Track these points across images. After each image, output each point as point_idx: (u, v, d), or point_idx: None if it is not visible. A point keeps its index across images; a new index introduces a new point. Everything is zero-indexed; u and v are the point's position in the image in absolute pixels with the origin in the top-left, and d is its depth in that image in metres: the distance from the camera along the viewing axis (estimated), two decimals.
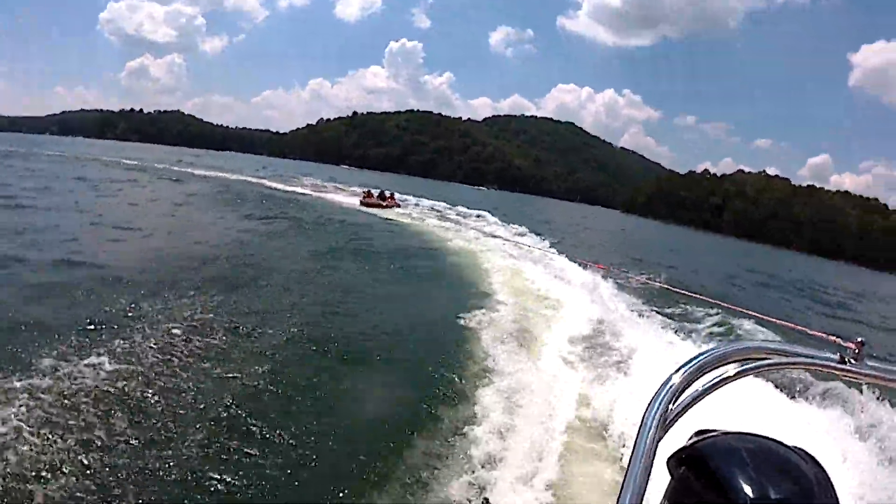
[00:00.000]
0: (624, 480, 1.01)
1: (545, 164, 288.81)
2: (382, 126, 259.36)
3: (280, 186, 52.76)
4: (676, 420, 1.11)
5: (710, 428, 1.08)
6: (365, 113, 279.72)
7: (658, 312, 17.26)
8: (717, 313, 17.79)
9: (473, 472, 6.80)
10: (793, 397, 9.68)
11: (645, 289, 19.16)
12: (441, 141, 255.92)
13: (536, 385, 9.88)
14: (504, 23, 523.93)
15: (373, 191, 45.68)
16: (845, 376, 1.23)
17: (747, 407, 6.87)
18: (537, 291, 17.40)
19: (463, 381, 9.69)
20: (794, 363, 1.25)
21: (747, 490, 0.92)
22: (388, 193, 45.20)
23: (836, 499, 0.97)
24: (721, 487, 0.94)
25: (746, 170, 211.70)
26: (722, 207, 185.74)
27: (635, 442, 1.06)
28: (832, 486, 0.99)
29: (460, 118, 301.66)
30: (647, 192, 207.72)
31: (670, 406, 1.10)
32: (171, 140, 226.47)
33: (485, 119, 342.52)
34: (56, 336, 9.04)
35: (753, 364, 1.22)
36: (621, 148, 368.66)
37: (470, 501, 6.33)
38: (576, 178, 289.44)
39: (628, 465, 1.03)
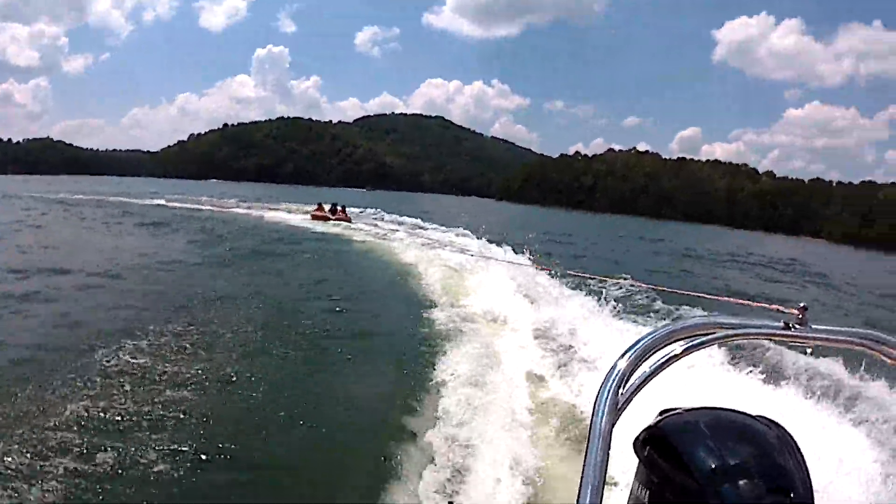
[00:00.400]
0: (583, 470, 1.02)
1: (417, 160, 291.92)
2: (253, 136, 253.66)
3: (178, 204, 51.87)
4: (628, 403, 1.12)
5: (673, 407, 1.12)
6: (235, 124, 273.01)
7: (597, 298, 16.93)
8: (657, 297, 18.14)
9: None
10: (749, 368, 10.13)
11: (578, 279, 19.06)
12: (312, 146, 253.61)
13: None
14: (370, 22, 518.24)
15: (324, 204, 44.91)
16: (792, 342, 1.26)
17: (714, 382, 8.32)
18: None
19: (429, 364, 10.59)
20: (740, 334, 1.27)
21: (708, 461, 0.96)
22: (338, 207, 43.92)
23: (801, 457, 1.01)
24: (684, 462, 0.98)
25: (617, 148, 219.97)
26: (594, 187, 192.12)
27: (589, 430, 1.07)
28: (796, 446, 1.03)
29: (330, 121, 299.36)
30: (520, 178, 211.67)
31: (620, 390, 1.10)
32: (46, 169, 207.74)
33: (355, 120, 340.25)
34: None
35: (700, 339, 1.23)
36: (492, 137, 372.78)
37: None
38: (448, 171, 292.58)
39: (585, 455, 1.03)
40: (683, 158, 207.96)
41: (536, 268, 19.79)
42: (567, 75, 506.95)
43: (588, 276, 18.29)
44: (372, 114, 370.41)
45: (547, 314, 14.11)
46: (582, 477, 1.01)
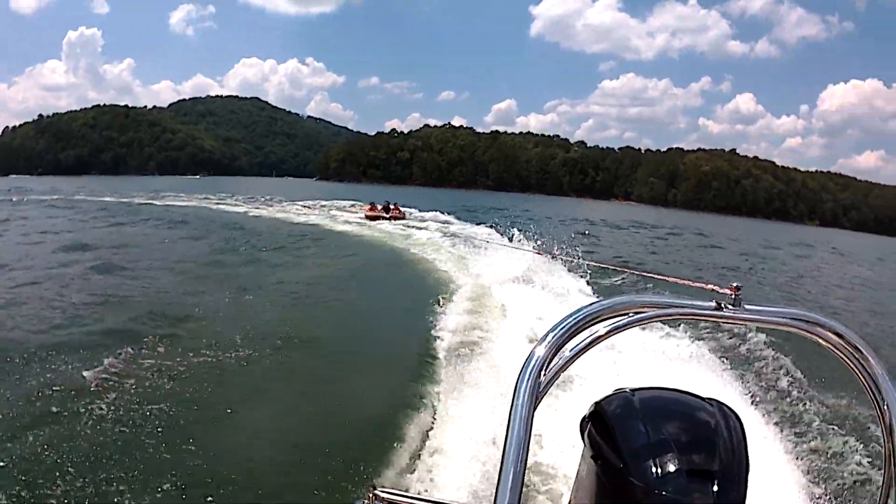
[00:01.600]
0: (503, 456, 1.00)
1: (235, 143, 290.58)
2: (70, 126, 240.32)
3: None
4: (550, 387, 1.10)
5: (624, 386, 1.13)
6: (51, 115, 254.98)
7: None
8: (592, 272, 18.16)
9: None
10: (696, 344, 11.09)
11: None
12: (130, 133, 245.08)
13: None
14: (185, 0, 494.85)
15: (377, 203, 43.92)
16: (724, 322, 1.24)
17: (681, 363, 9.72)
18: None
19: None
20: (669, 315, 1.25)
21: (634, 439, 0.98)
22: (391, 205, 43.36)
23: (739, 442, 1.01)
24: (615, 440, 1.00)
25: (433, 123, 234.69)
26: (411, 161, 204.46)
27: (509, 417, 1.04)
28: (739, 431, 1.04)
29: (145, 107, 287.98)
30: (337, 156, 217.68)
31: (542, 374, 1.08)
32: None
33: (170, 105, 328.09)
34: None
35: (627, 319, 1.21)
36: (308, 117, 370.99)
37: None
38: (266, 152, 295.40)
39: (505, 442, 1.01)
40: (497, 131, 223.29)
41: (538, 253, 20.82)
42: (383, 51, 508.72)
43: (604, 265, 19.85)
44: (186, 96, 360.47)
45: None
46: (502, 463, 0.99)
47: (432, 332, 12.25)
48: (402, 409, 8.38)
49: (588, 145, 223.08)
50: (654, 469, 0.93)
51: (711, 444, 0.97)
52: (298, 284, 17.88)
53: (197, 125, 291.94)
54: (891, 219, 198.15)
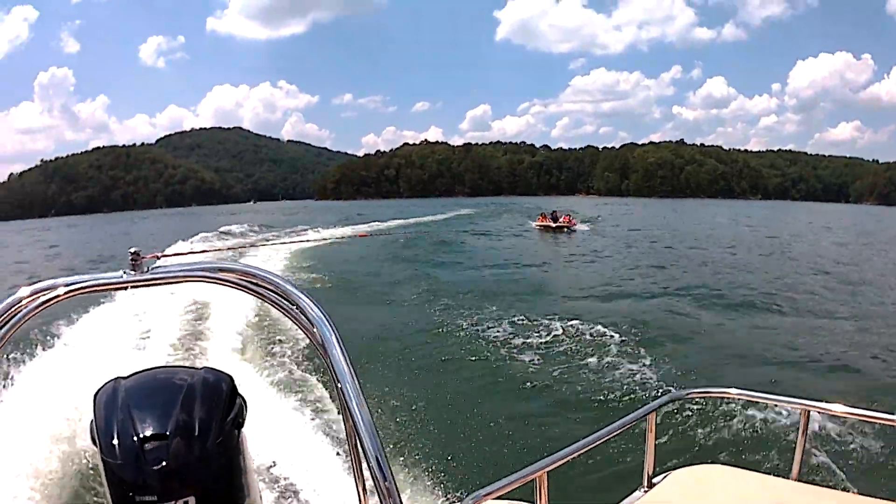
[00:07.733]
0: None
1: (226, 172, 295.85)
2: (76, 169, 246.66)
3: None
4: None
5: (119, 375, 1.09)
6: (54, 159, 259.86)
7: None
8: None
9: None
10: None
11: None
12: (135, 172, 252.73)
13: None
14: (153, 32, 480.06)
15: (545, 213, 48.03)
16: (135, 286, 1.26)
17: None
18: None
19: None
20: (79, 289, 1.25)
21: (107, 420, 0.99)
22: (559, 216, 46.60)
23: (207, 399, 1.02)
24: (96, 426, 1.01)
25: (409, 135, 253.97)
26: (397, 177, 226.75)
27: None
28: (210, 388, 1.04)
29: (140, 144, 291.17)
30: (333, 179, 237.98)
31: None
32: None
33: (158, 140, 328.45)
34: None
35: (43, 299, 1.22)
36: (288, 141, 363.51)
37: None
38: (255, 179, 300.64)
39: None
40: (470, 144, 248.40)
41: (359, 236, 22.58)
42: (354, 67, 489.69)
43: None
44: (162, 128, 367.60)
45: None
46: None
47: None
48: None
49: (554, 147, 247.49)
50: (116, 444, 0.96)
51: (168, 410, 0.99)
52: None
53: (188, 158, 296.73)
54: (839, 186, 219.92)
